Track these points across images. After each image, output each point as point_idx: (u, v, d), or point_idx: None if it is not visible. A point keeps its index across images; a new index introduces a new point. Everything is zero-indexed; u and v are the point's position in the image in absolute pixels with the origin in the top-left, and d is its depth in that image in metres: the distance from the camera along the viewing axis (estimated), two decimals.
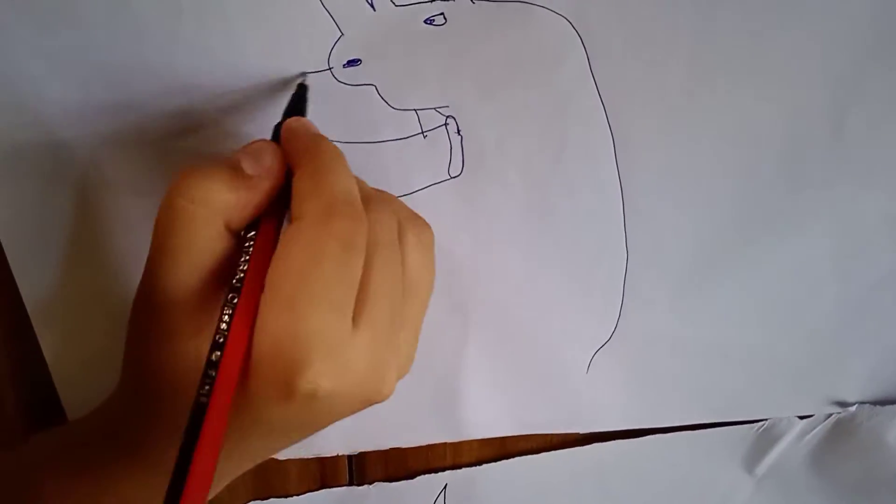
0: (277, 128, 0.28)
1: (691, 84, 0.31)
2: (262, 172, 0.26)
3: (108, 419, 0.29)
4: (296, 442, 0.27)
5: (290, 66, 0.30)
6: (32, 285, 0.34)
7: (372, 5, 0.29)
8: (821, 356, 0.38)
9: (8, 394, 0.36)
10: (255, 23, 0.29)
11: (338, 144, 0.31)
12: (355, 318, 0.24)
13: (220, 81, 0.31)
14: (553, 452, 0.40)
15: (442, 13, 0.30)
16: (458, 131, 0.32)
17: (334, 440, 0.39)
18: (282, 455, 0.39)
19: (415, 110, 0.32)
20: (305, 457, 0.40)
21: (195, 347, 0.25)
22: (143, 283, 0.26)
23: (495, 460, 0.40)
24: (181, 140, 0.32)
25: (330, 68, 0.30)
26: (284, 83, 0.31)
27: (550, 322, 0.37)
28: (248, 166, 0.26)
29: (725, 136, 0.32)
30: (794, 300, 0.36)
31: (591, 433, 0.40)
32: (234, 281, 0.24)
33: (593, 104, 0.32)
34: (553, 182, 0.33)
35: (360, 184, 0.27)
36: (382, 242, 0.25)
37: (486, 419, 0.39)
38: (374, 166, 0.33)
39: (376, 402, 0.25)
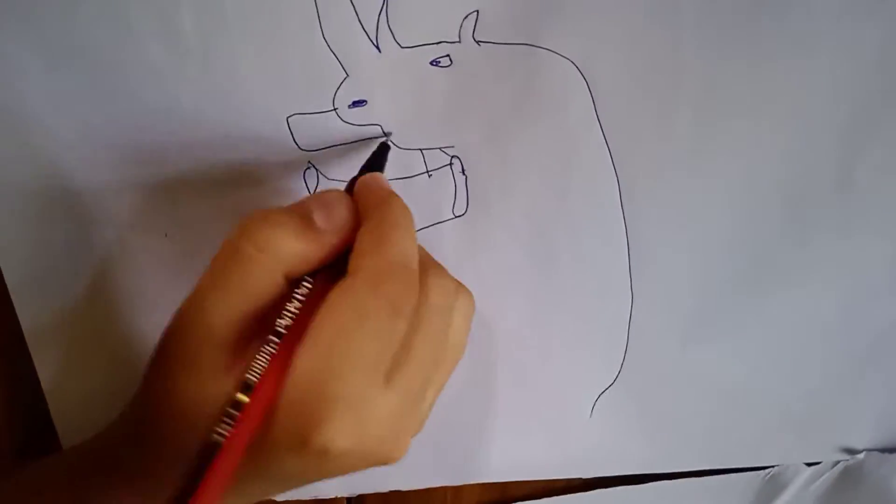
0: (352, 182, 0.29)
1: (697, 129, 0.31)
2: (333, 228, 0.26)
3: (107, 446, 0.29)
4: (297, 487, 0.27)
5: (294, 107, 0.30)
6: (32, 316, 0.34)
7: (378, 47, 0.30)
8: (829, 403, 0.37)
9: (2, 421, 0.36)
10: (260, 64, 0.30)
11: (344, 184, 0.32)
12: (389, 377, 0.24)
13: (224, 120, 0.31)
14: (554, 498, 0.40)
15: (448, 55, 0.30)
16: (463, 171, 0.32)
17: (333, 481, 0.38)
18: (279, 496, 0.39)
19: (420, 150, 0.32)
20: (303, 498, 0.39)
21: (221, 386, 0.25)
22: (184, 312, 0.25)
23: None
24: (187, 178, 0.32)
25: (335, 109, 0.30)
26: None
27: (553, 365, 0.36)
28: (319, 219, 0.26)
29: (732, 182, 0.32)
30: (801, 346, 0.36)
31: (593, 479, 0.40)
32: (277, 327, 0.24)
33: (598, 147, 0.32)
34: (557, 224, 0.33)
35: (420, 250, 0.27)
36: (434, 309, 0.26)
37: (487, 463, 0.38)
38: None
39: (387, 464, 0.25)
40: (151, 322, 0.35)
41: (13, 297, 0.33)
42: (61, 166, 0.31)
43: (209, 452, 0.22)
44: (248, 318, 0.25)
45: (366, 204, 0.27)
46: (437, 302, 0.26)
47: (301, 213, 0.25)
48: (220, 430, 0.22)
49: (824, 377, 0.37)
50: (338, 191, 0.27)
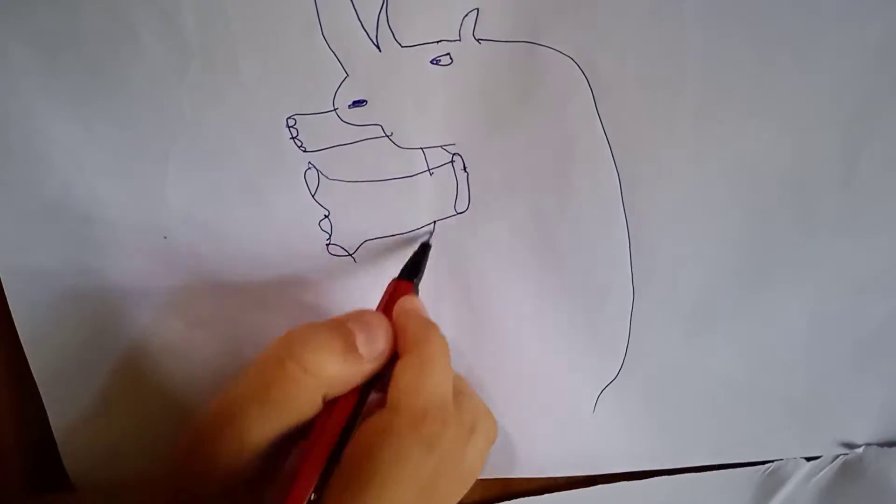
0: (392, 288, 0.31)
1: (698, 125, 0.31)
2: (373, 357, 0.27)
3: None
4: None
5: (294, 107, 0.31)
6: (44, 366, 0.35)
7: (378, 46, 0.30)
8: (830, 397, 0.37)
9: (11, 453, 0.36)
10: (260, 64, 0.30)
11: (345, 184, 0.32)
12: None
13: (225, 121, 0.31)
14: (556, 494, 0.40)
15: (448, 53, 0.30)
16: (465, 168, 0.32)
17: None
18: None
19: (421, 149, 0.32)
20: None
21: (239, 489, 0.26)
22: (217, 414, 0.26)
23: (497, 501, 0.40)
24: (186, 181, 0.32)
25: (335, 109, 0.31)
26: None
27: (556, 360, 0.36)
28: (362, 346, 0.27)
29: (734, 177, 0.32)
30: (802, 340, 0.36)
31: (594, 474, 0.40)
32: (308, 442, 0.26)
33: (599, 143, 0.32)
34: (559, 219, 0.33)
35: (455, 379, 0.29)
36: (462, 433, 0.28)
37: (488, 460, 0.38)
38: (381, 204, 0.33)
39: None
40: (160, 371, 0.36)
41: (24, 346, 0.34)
42: (60, 170, 0.31)
43: None
44: (283, 430, 0.26)
45: (406, 332, 0.28)
46: (465, 424, 0.28)
47: (345, 336, 0.27)
48: None
49: (825, 372, 0.37)
50: (379, 315, 0.28)
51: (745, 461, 0.39)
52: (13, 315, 0.34)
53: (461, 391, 0.29)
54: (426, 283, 0.32)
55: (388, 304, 0.30)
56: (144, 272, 0.34)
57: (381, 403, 0.27)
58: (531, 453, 0.39)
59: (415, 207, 0.33)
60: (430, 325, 0.28)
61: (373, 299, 0.34)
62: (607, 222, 0.33)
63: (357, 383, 0.27)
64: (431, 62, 0.30)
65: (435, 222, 0.34)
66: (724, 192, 0.33)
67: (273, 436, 0.26)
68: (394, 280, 0.31)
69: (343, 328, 0.27)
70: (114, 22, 0.29)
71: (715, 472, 0.40)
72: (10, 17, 0.28)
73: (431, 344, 0.27)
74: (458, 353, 0.36)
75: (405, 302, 0.29)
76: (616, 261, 0.34)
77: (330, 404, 0.27)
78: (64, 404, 0.35)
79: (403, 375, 0.27)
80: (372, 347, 0.27)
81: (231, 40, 0.29)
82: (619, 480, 0.40)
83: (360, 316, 0.28)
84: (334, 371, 0.26)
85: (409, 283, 0.31)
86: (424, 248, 0.33)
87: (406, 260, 0.32)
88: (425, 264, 0.32)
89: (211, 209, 0.32)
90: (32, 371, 0.35)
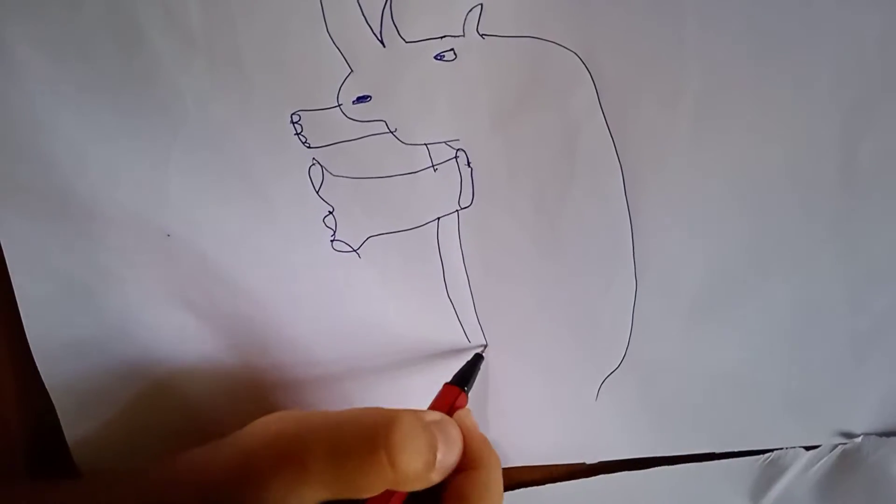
0: (448, 391, 0.32)
1: (699, 117, 0.31)
2: (443, 470, 0.28)
3: None
4: None
5: (298, 103, 0.31)
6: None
7: (382, 42, 0.30)
8: (829, 387, 0.38)
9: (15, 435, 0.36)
10: (265, 60, 0.30)
11: (349, 180, 0.32)
12: None
13: (229, 116, 0.31)
14: (556, 484, 0.40)
15: (452, 49, 0.30)
16: (469, 164, 0.33)
17: None
18: None
19: (425, 144, 0.32)
20: None
21: None
22: (287, 448, 0.26)
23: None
24: (191, 177, 0.32)
25: (339, 105, 0.30)
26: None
27: (560, 350, 0.37)
28: (440, 459, 0.27)
29: (734, 169, 0.32)
30: (804, 331, 0.36)
31: (596, 465, 0.40)
32: None
33: (602, 137, 0.32)
34: (562, 212, 0.33)
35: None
36: None
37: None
38: (385, 200, 0.33)
39: None
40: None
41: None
42: (63, 168, 0.31)
43: None
44: (333, 498, 0.26)
45: (466, 448, 0.29)
46: None
47: (431, 446, 0.27)
48: None
49: (825, 362, 0.37)
50: (459, 435, 0.29)
51: (745, 450, 0.40)
52: (21, 310, 0.34)
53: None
54: (434, 279, 0.33)
55: (439, 407, 0.31)
56: (148, 269, 0.34)
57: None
58: (535, 442, 0.39)
59: (419, 203, 0.33)
60: (485, 443, 0.30)
61: (377, 296, 0.34)
62: (610, 215, 0.33)
63: (418, 489, 0.27)
64: (435, 58, 0.30)
65: (485, 345, 0.36)
66: (724, 185, 0.33)
67: (324, 498, 0.26)
68: (447, 385, 0.32)
69: (431, 434, 0.27)
70: (117, 18, 0.29)
71: (714, 461, 0.40)
72: (13, 13, 0.28)
73: (490, 463, 0.29)
74: (464, 345, 0.36)
75: (465, 418, 0.30)
76: (619, 253, 0.34)
77: (387, 493, 0.27)
78: (71, 398, 0.35)
79: (466, 490, 0.28)
80: (447, 463, 0.28)
81: (235, 37, 0.29)
82: (618, 470, 0.40)
83: (445, 427, 0.28)
84: (414, 475, 0.26)
85: (462, 391, 0.32)
86: (477, 359, 0.35)
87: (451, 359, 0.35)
88: (476, 374, 0.34)
89: (214, 206, 0.32)
90: (38, 366, 0.35)
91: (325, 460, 0.26)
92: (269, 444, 0.27)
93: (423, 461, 0.26)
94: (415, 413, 0.28)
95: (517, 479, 0.40)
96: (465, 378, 0.33)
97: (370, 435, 0.26)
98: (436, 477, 0.27)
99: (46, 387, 0.35)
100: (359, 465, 0.25)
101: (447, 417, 0.29)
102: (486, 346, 0.36)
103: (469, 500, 0.28)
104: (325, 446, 0.26)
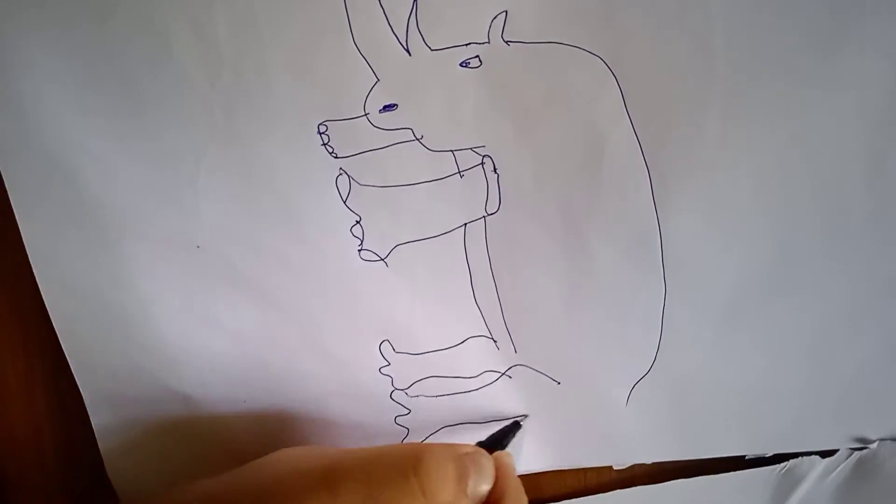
0: (482, 444, 0.32)
1: (727, 122, 0.31)
2: (475, 498, 0.29)
3: None
4: None
5: (325, 113, 0.31)
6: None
7: (408, 50, 0.30)
8: (849, 393, 0.37)
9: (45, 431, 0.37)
10: (291, 71, 0.30)
11: (376, 189, 0.32)
12: None
13: (256, 128, 0.31)
14: (574, 500, 0.40)
15: (477, 56, 0.30)
16: (495, 170, 0.32)
17: None
18: None
19: (451, 151, 0.32)
20: None
21: None
22: (324, 477, 0.27)
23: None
24: (220, 189, 0.32)
25: (366, 114, 0.31)
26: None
27: (590, 355, 0.36)
28: (472, 487, 0.28)
29: (762, 175, 0.32)
30: (831, 338, 0.36)
31: (619, 478, 0.40)
32: None
33: (629, 141, 0.32)
34: (590, 218, 0.33)
35: None
36: None
37: (522, 453, 0.39)
38: (412, 207, 0.33)
39: None
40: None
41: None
42: (93, 183, 0.32)
43: None
44: None
45: (498, 484, 0.30)
46: None
47: (462, 472, 0.28)
48: None
49: (852, 368, 0.36)
50: (492, 466, 0.30)
51: (767, 453, 0.39)
52: (55, 325, 0.34)
53: None
54: (462, 286, 0.33)
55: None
56: (176, 283, 0.34)
57: None
58: (567, 446, 0.39)
59: (446, 209, 0.33)
60: (519, 483, 0.31)
61: (405, 304, 0.34)
62: (638, 221, 0.33)
63: None
64: (461, 65, 0.30)
65: (525, 416, 0.37)
66: (752, 189, 0.32)
67: None
68: (485, 443, 0.33)
69: (462, 464, 0.28)
70: (146, 33, 0.29)
71: (730, 473, 0.40)
72: (45, 29, 0.29)
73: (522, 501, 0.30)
74: (492, 353, 0.36)
75: (504, 457, 0.31)
76: (647, 258, 0.34)
77: None
78: (108, 420, 0.36)
79: None
80: (478, 489, 0.29)
81: (262, 49, 0.29)
82: (636, 485, 0.40)
83: (477, 459, 0.29)
84: (444, 502, 0.27)
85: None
86: (516, 426, 0.36)
87: None
88: (513, 439, 0.35)
89: (243, 218, 0.33)
90: (76, 378, 0.35)
91: (360, 490, 0.26)
92: (302, 473, 0.27)
93: (452, 488, 0.27)
94: (447, 445, 0.29)
95: (547, 487, 0.40)
96: (498, 440, 0.34)
97: (402, 464, 0.27)
98: (467, 503, 0.28)
99: (83, 396, 0.35)
100: (392, 494, 0.26)
101: (480, 449, 0.30)
102: (525, 417, 0.37)
103: None
104: (359, 476, 0.27)
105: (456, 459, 0.28)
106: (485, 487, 0.29)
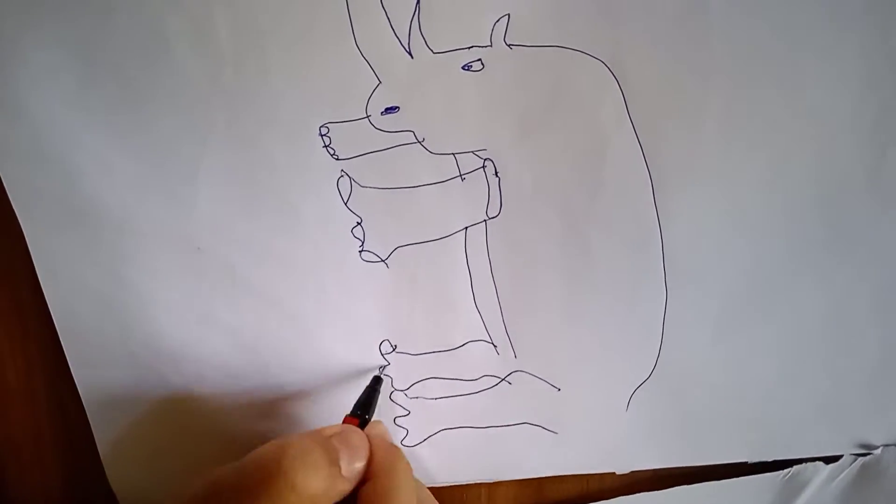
0: (357, 412, 0.32)
1: (727, 125, 0.31)
2: (351, 478, 0.28)
3: None
4: None
5: (327, 115, 0.31)
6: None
7: (410, 53, 0.30)
8: (851, 397, 0.37)
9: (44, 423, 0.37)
10: (293, 72, 0.30)
11: (377, 191, 0.32)
12: None
13: (257, 130, 0.31)
14: None
15: (479, 59, 0.30)
16: (496, 173, 0.32)
17: None
18: None
19: (453, 154, 0.32)
20: None
21: None
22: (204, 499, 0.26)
23: None
24: (219, 191, 0.32)
25: (367, 116, 0.31)
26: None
27: (591, 360, 0.36)
28: (345, 467, 0.28)
29: (763, 177, 0.32)
30: (832, 341, 0.36)
31: (621, 484, 0.40)
32: None
33: (631, 145, 0.32)
34: (591, 222, 0.33)
35: (418, 488, 0.31)
36: None
37: (523, 459, 0.39)
38: (413, 210, 0.33)
39: None
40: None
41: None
42: (92, 181, 0.32)
43: None
44: None
45: (373, 458, 0.29)
46: None
47: (331, 454, 0.27)
48: None
49: (853, 372, 0.36)
50: (361, 436, 0.29)
51: (769, 459, 0.39)
52: (55, 322, 0.34)
53: (424, 499, 0.31)
54: (462, 289, 0.32)
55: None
56: (176, 283, 0.34)
57: None
58: (567, 452, 0.39)
59: (447, 212, 0.33)
60: (394, 450, 0.30)
61: (405, 306, 0.34)
62: (640, 224, 0.33)
63: (333, 501, 0.27)
64: (463, 68, 0.30)
65: (386, 364, 0.36)
66: (754, 192, 0.32)
67: None
68: (347, 417, 0.32)
69: (330, 446, 0.28)
70: (146, 31, 0.29)
71: (733, 479, 0.39)
72: (44, 26, 0.29)
73: (397, 470, 0.29)
74: (492, 357, 0.36)
75: (371, 427, 0.31)
76: (649, 262, 0.34)
77: None
78: (106, 419, 0.36)
79: (372, 498, 0.28)
80: (350, 470, 0.28)
81: (263, 49, 0.29)
82: (638, 491, 0.40)
83: (346, 437, 0.29)
84: (318, 490, 0.26)
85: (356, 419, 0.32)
86: (376, 382, 0.35)
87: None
88: (378, 396, 0.34)
89: (243, 218, 0.33)
90: (73, 374, 0.35)
91: (234, 498, 0.26)
92: (188, 498, 0.27)
93: (322, 475, 0.26)
94: (310, 432, 0.28)
95: (549, 492, 0.40)
96: (365, 407, 0.33)
97: (267, 465, 0.26)
98: (346, 485, 0.28)
99: (80, 394, 0.35)
100: (261, 495, 0.25)
101: (349, 426, 0.30)
102: (383, 368, 0.36)
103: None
104: (229, 493, 0.26)
105: (323, 443, 0.27)
106: (359, 464, 0.28)
